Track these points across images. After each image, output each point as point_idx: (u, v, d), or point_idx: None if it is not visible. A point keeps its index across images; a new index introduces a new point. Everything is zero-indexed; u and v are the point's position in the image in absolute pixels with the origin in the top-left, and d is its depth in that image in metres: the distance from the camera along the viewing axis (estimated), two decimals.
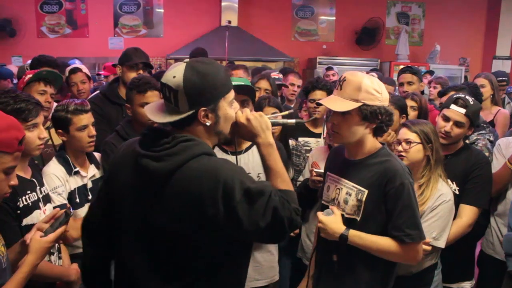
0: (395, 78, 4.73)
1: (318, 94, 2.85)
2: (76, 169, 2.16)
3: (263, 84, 3.06)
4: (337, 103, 1.67)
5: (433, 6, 8.05)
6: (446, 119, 2.31)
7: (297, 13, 7.71)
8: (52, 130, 2.39)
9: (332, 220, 1.72)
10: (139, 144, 1.38)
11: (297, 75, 4.22)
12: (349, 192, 1.75)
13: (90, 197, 2.18)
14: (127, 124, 2.47)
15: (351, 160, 1.79)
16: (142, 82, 2.40)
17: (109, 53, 6.62)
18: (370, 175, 1.70)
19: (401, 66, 4.36)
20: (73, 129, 2.12)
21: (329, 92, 2.56)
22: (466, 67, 7.94)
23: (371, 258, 1.72)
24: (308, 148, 2.88)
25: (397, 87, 4.16)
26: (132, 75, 2.87)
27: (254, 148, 2.18)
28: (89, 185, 2.20)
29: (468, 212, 2.25)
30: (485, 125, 3.04)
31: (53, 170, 2.10)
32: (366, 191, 1.70)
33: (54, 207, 1.94)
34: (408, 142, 2.09)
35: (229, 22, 6.59)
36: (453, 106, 2.30)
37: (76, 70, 3.57)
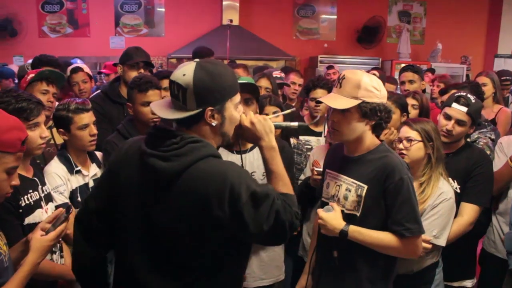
0: (396, 76, 4.72)
1: (319, 93, 2.85)
2: (78, 168, 2.16)
3: (264, 82, 3.07)
4: (337, 101, 1.69)
5: (434, 4, 8.03)
6: (448, 117, 2.30)
7: (299, 12, 7.70)
8: (55, 129, 2.40)
9: (332, 216, 1.74)
10: (145, 143, 1.38)
11: (298, 73, 4.21)
12: (349, 188, 1.77)
13: (91, 190, 2.18)
14: (128, 123, 2.48)
15: (350, 157, 1.81)
16: (144, 81, 2.41)
17: (110, 52, 6.62)
18: (370, 170, 1.72)
19: (403, 65, 4.35)
20: (74, 128, 2.13)
21: (330, 91, 2.56)
22: (468, 66, 7.91)
23: (372, 254, 1.74)
24: (309, 146, 2.88)
25: (398, 86, 4.15)
26: (133, 74, 2.87)
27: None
28: (91, 184, 2.21)
29: (469, 211, 2.25)
30: (486, 124, 3.04)
31: (55, 169, 2.10)
32: (366, 187, 1.71)
33: (56, 206, 1.95)
34: (409, 140, 2.09)
35: (231, 21, 6.58)
36: (454, 105, 2.30)
37: (77, 69, 3.57)
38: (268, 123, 1.46)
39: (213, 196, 1.27)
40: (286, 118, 1.95)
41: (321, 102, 1.84)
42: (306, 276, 2.08)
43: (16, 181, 1.42)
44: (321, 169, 2.21)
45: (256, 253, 2.19)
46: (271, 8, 7.41)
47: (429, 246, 2.01)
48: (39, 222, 1.67)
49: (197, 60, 1.38)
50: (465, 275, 2.45)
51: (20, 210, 1.71)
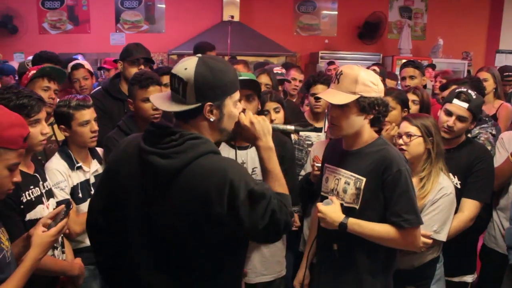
0: (397, 72, 4.71)
1: (319, 88, 2.85)
2: (79, 164, 2.17)
3: (264, 79, 3.06)
4: (335, 96, 1.71)
5: (435, 0, 8.00)
6: (449, 113, 2.30)
7: (299, 7, 7.69)
8: (56, 126, 2.40)
9: (331, 210, 1.76)
10: (144, 140, 1.39)
11: (299, 69, 4.20)
12: (348, 182, 1.79)
13: (93, 192, 2.19)
14: (129, 119, 2.49)
15: (348, 151, 1.83)
16: (144, 77, 2.41)
17: (111, 49, 6.62)
18: (368, 163, 1.75)
19: (404, 61, 4.35)
20: (75, 125, 2.13)
21: None
22: (469, 61, 7.89)
23: (372, 246, 1.76)
24: (310, 142, 2.88)
25: (399, 82, 4.15)
26: (133, 70, 2.87)
27: None
28: (92, 180, 2.21)
29: (470, 206, 2.25)
30: (487, 119, 3.03)
31: (56, 165, 2.11)
32: (364, 179, 1.74)
33: (57, 202, 1.96)
34: (409, 135, 2.09)
35: (232, 17, 6.57)
36: (455, 101, 2.29)
37: (78, 66, 3.57)
38: (266, 124, 1.48)
39: (213, 192, 1.28)
40: (284, 125, 1.96)
41: (320, 98, 1.85)
42: (304, 270, 2.10)
43: (17, 178, 1.43)
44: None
45: (257, 249, 2.20)
46: (272, 4, 7.40)
47: (430, 241, 2.01)
48: (40, 218, 1.68)
49: (199, 55, 1.39)
50: (465, 270, 2.45)
51: (22, 206, 1.71)
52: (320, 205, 1.80)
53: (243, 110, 1.50)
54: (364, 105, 1.69)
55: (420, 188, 2.06)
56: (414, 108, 2.87)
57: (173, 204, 1.33)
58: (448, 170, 2.16)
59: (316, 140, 2.90)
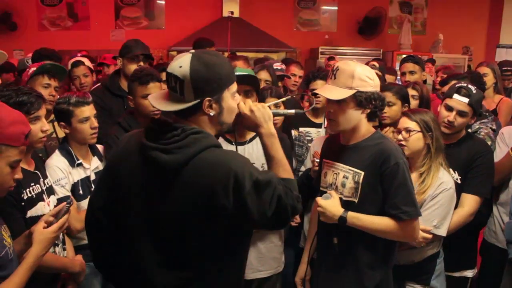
0: (397, 67, 4.70)
1: (319, 84, 2.84)
2: (79, 161, 2.17)
3: (263, 75, 3.06)
4: (332, 92, 1.74)
5: None
6: (449, 108, 2.30)
7: (299, 3, 7.66)
8: (57, 123, 2.40)
9: (330, 204, 1.78)
10: (145, 136, 1.39)
11: (299, 65, 4.21)
12: (346, 176, 1.81)
13: (93, 189, 2.19)
14: (129, 116, 2.49)
15: (346, 145, 1.85)
16: (144, 74, 2.41)
17: (110, 45, 6.59)
18: (366, 157, 1.77)
19: (404, 56, 4.34)
20: (75, 121, 2.13)
21: None
22: (470, 56, 7.88)
23: (371, 239, 1.78)
24: (309, 138, 2.88)
25: (398, 77, 4.14)
26: (132, 67, 2.87)
27: (258, 139, 2.20)
28: (92, 177, 2.21)
29: (470, 201, 2.25)
30: (487, 114, 3.03)
31: (56, 162, 2.11)
32: (363, 173, 1.76)
33: (58, 199, 1.96)
34: (408, 130, 2.10)
35: (232, 13, 6.56)
36: (456, 96, 2.29)
37: (78, 63, 3.56)
38: (266, 110, 1.49)
39: (218, 185, 1.29)
40: (285, 110, 1.96)
41: (316, 94, 1.88)
42: (305, 265, 2.12)
43: (19, 175, 1.44)
44: None
45: (253, 245, 2.20)
46: None
47: (430, 236, 2.02)
48: (41, 215, 1.68)
49: (192, 51, 1.38)
50: (466, 265, 2.45)
51: (22, 203, 1.72)
52: (319, 200, 1.81)
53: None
54: (361, 100, 1.72)
55: (420, 183, 2.06)
56: (413, 103, 2.86)
57: (177, 199, 1.33)
58: (448, 165, 2.16)
59: (316, 136, 2.90)
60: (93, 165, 2.25)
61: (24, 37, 6.47)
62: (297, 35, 7.62)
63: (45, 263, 1.61)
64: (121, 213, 1.46)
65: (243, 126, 1.53)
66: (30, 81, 2.50)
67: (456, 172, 2.29)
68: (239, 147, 2.15)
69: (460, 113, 2.27)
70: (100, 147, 2.36)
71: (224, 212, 1.30)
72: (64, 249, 1.99)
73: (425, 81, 3.80)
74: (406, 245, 2.02)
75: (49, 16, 6.74)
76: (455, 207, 2.17)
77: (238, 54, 5.14)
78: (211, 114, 1.38)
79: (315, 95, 2.36)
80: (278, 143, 1.48)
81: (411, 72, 3.69)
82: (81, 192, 2.14)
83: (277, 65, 3.79)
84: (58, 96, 2.45)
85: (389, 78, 3.93)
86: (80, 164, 2.18)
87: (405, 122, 2.13)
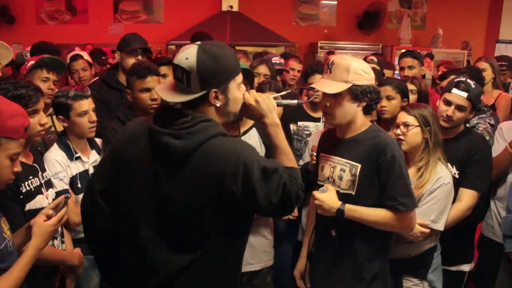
0: (396, 62, 4.70)
1: (317, 78, 2.83)
2: (78, 155, 2.17)
3: (262, 69, 3.07)
4: (328, 85, 1.75)
5: None
6: (448, 103, 2.30)
7: None
8: (55, 117, 2.40)
9: (327, 197, 1.80)
10: (154, 122, 1.41)
11: (297, 59, 4.20)
12: (343, 169, 1.82)
13: (92, 172, 2.19)
14: (127, 110, 2.49)
15: (343, 139, 1.87)
16: (142, 68, 2.41)
17: (109, 39, 6.55)
18: (362, 150, 1.79)
19: (403, 50, 4.33)
20: (73, 115, 2.13)
21: None
22: (469, 51, 7.87)
23: (369, 231, 1.80)
24: (308, 132, 2.89)
25: (396, 71, 4.14)
26: (131, 61, 2.87)
27: (252, 131, 2.23)
28: (91, 170, 2.21)
29: (468, 196, 2.26)
30: (486, 109, 3.03)
31: (54, 155, 2.11)
32: (359, 165, 1.78)
33: (56, 192, 1.97)
34: (406, 125, 2.10)
35: (231, 7, 6.53)
36: (454, 90, 2.29)
37: (77, 57, 3.56)
38: (271, 101, 1.52)
39: (228, 172, 1.32)
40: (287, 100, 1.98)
41: (313, 88, 1.90)
42: (304, 260, 2.13)
43: (18, 168, 1.45)
44: None
45: None
46: None
47: (427, 230, 2.03)
48: (40, 208, 1.69)
49: (198, 43, 1.40)
50: (463, 259, 2.47)
51: (21, 196, 1.72)
52: (316, 193, 1.83)
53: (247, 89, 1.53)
54: (357, 93, 1.74)
55: (418, 178, 2.07)
56: (412, 97, 2.85)
57: (185, 185, 1.36)
58: (446, 160, 2.17)
59: (315, 130, 2.90)
60: (92, 159, 2.25)
61: (22, 30, 6.44)
62: (297, 29, 7.59)
63: (44, 256, 1.62)
64: (123, 197, 1.47)
65: (247, 116, 1.56)
66: (28, 75, 2.50)
67: (454, 166, 2.30)
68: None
69: (459, 108, 2.28)
70: (98, 140, 2.36)
71: (232, 199, 1.34)
72: (62, 242, 1.99)
73: (424, 76, 3.80)
74: (403, 240, 2.03)
75: (48, 10, 6.70)
76: (453, 202, 2.18)
77: (237, 48, 5.13)
78: (218, 105, 1.40)
79: (311, 89, 2.36)
80: (282, 133, 1.52)
81: (410, 67, 3.69)
82: (79, 185, 2.14)
83: (276, 59, 3.79)
84: (56, 90, 2.45)
85: (387, 72, 3.93)
86: (78, 158, 2.18)
87: (403, 117, 2.13)
